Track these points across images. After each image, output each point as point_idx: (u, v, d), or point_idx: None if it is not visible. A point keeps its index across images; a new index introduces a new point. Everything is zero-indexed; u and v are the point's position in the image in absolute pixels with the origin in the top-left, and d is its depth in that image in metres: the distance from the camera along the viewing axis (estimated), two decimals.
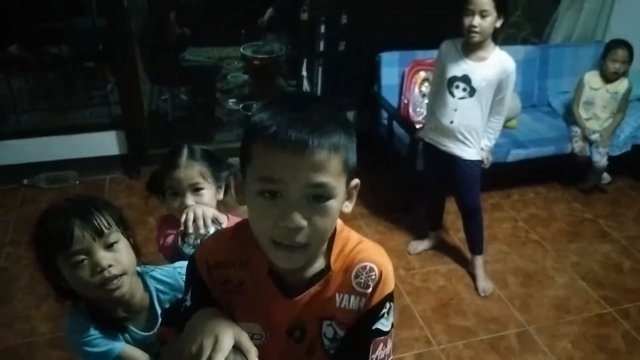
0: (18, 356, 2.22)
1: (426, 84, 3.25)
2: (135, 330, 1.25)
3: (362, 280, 0.91)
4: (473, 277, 2.73)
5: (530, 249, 3.00)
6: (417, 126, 2.93)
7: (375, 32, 3.35)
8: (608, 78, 3.31)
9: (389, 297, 0.93)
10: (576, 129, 3.35)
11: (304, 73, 3.37)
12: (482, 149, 2.51)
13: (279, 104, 0.81)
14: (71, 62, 4.05)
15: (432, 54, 2.55)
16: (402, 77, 3.35)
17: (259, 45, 4.48)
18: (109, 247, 1.15)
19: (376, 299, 0.92)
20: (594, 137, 3.28)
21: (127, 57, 3.19)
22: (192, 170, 1.47)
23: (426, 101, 2.97)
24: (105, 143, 3.38)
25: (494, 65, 2.34)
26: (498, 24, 2.28)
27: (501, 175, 3.13)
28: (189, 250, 1.41)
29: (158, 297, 1.28)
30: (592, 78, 3.38)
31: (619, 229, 3.20)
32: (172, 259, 1.43)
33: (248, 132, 0.82)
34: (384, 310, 0.93)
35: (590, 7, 3.68)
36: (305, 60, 3.38)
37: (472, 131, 2.44)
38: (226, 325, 0.86)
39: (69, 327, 1.21)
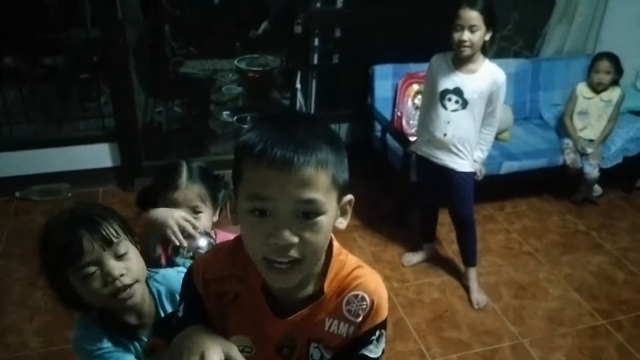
0: None
1: (419, 96, 3.26)
2: (145, 339, 1.22)
3: (353, 309, 0.91)
4: (467, 290, 2.72)
5: (523, 260, 3.01)
6: (411, 138, 2.94)
7: (368, 45, 3.38)
8: (596, 89, 3.36)
9: (380, 326, 0.93)
10: (567, 141, 3.37)
11: (298, 85, 3.39)
12: (474, 160, 2.53)
13: (267, 123, 0.82)
14: (65, 74, 4.05)
15: (425, 67, 2.58)
16: (396, 90, 3.37)
17: (253, 57, 4.51)
18: (120, 256, 1.13)
19: (365, 327, 0.91)
20: (589, 150, 3.30)
21: (121, 68, 3.19)
22: (191, 192, 1.46)
23: (418, 114, 3.00)
24: (98, 155, 3.37)
25: (485, 77, 2.37)
26: (487, 37, 2.31)
27: (494, 187, 3.15)
28: (182, 261, 1.41)
29: (161, 301, 1.26)
30: (584, 88, 3.43)
31: (611, 240, 3.22)
32: None
33: (237, 152, 0.83)
34: (373, 337, 0.92)
35: (581, 21, 3.72)
36: (299, 73, 3.40)
37: (465, 143, 2.46)
38: (214, 342, 0.86)
39: (80, 337, 1.18)
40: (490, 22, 2.28)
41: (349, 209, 0.89)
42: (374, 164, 3.38)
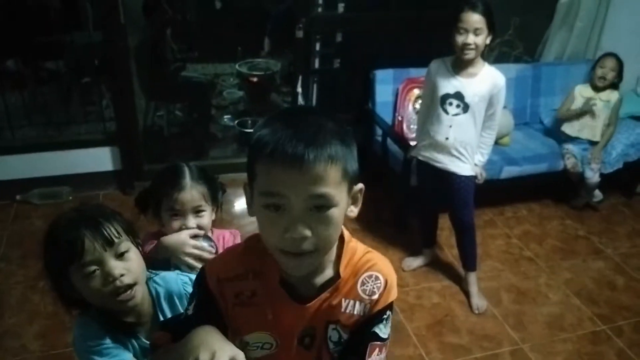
0: None
1: (420, 101, 3.27)
2: (142, 338, 1.24)
3: (368, 288, 0.96)
4: (467, 294, 2.72)
5: (523, 265, 3.01)
6: (411, 143, 2.95)
7: (369, 50, 3.38)
8: (597, 87, 3.35)
9: (391, 306, 0.99)
10: (568, 146, 3.37)
11: (299, 90, 3.40)
12: (475, 164, 2.53)
13: (277, 120, 0.85)
14: (67, 77, 4.06)
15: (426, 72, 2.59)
16: (396, 95, 3.38)
17: (254, 62, 4.52)
18: (120, 256, 1.15)
19: (379, 305, 0.97)
20: (589, 155, 3.30)
21: (123, 72, 3.20)
22: (196, 192, 1.49)
23: (418, 119, 3.00)
24: (99, 159, 3.37)
25: (485, 80, 2.39)
26: (488, 41, 2.33)
27: (494, 192, 3.14)
28: (185, 268, 1.44)
29: (160, 302, 1.27)
30: (583, 89, 3.42)
31: (612, 245, 3.21)
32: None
33: (250, 150, 0.86)
34: (384, 317, 0.98)
35: (582, 26, 3.73)
36: (300, 77, 3.41)
37: (467, 146, 2.46)
38: (224, 343, 0.89)
39: (80, 334, 1.20)
40: (491, 26, 2.30)
41: (360, 197, 0.94)
42: (374, 169, 3.38)
